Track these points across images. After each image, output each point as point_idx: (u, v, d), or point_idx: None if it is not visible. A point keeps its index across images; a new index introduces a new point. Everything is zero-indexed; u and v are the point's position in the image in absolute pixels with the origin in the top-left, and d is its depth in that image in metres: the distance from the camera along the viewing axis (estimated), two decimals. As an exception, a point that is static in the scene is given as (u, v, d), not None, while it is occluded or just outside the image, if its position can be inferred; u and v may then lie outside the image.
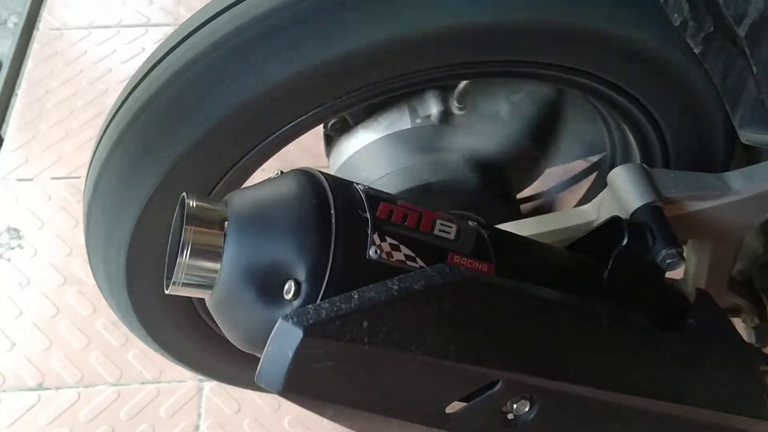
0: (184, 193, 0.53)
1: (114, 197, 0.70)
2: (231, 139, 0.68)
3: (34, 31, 1.75)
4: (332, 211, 0.52)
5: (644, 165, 0.73)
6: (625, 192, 0.71)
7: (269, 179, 0.56)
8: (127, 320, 0.82)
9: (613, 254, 0.67)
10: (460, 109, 0.86)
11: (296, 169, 0.56)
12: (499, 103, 0.88)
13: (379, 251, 0.53)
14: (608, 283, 0.67)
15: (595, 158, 0.95)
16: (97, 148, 0.72)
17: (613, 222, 0.68)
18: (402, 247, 0.55)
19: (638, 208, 0.70)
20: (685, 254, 0.82)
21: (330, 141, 0.90)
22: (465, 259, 0.58)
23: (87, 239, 0.75)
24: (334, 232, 0.51)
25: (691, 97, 0.75)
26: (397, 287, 0.51)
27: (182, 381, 1.21)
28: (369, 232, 0.53)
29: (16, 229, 1.37)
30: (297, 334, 0.46)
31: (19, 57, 1.74)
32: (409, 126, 0.85)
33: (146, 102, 0.67)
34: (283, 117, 0.67)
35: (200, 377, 1.20)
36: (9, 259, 1.34)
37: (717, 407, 0.65)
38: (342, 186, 0.55)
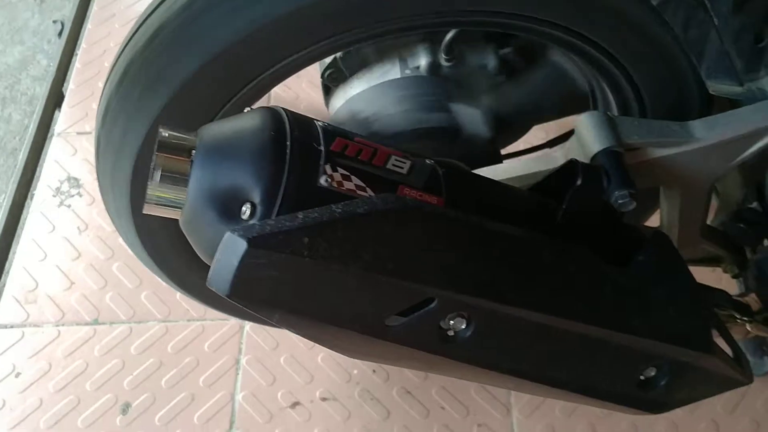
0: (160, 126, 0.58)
1: (119, 128, 0.75)
2: (230, 69, 0.71)
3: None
4: (288, 143, 0.56)
5: (609, 113, 0.75)
6: (587, 137, 0.73)
7: (237, 115, 0.60)
8: (132, 245, 0.87)
9: (568, 194, 0.69)
10: (447, 60, 0.88)
11: (262, 107, 0.60)
12: (487, 57, 0.90)
13: (329, 180, 0.57)
14: (563, 221, 0.70)
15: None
16: (106, 82, 0.77)
17: (570, 164, 0.71)
18: (353, 177, 0.58)
19: (597, 153, 0.72)
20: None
21: (328, 91, 0.94)
22: (415, 191, 0.61)
23: (97, 169, 0.81)
24: (288, 161, 0.56)
25: (659, 49, 0.76)
26: (340, 210, 0.55)
27: (225, 319, 1.27)
28: (321, 162, 0.57)
29: (76, 179, 1.45)
30: (242, 244, 0.51)
31: (79, 19, 1.82)
32: (398, 76, 0.88)
33: (151, 36, 0.71)
34: (275, 54, 0.71)
35: None
36: (69, 206, 1.42)
37: (655, 338, 0.67)
38: (301, 122, 0.59)
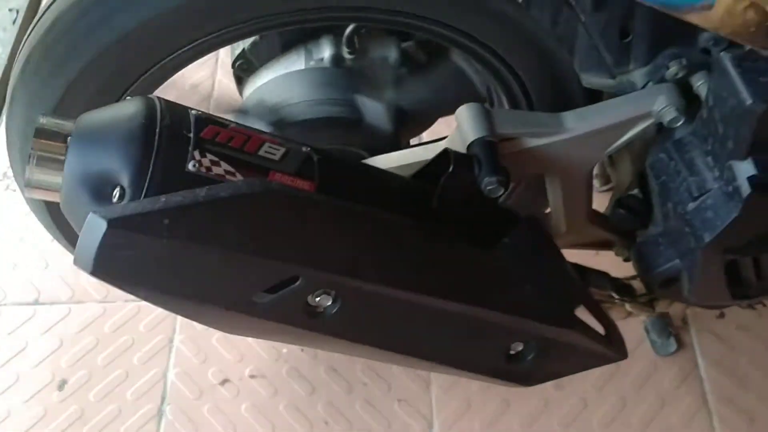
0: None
1: (22, 116, 0.78)
2: (124, 59, 0.75)
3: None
4: (157, 129, 0.60)
5: (486, 105, 0.79)
6: (464, 128, 0.77)
7: (115, 103, 0.64)
8: (41, 218, 0.90)
9: (441, 181, 0.73)
10: (349, 53, 0.92)
11: (138, 96, 0.64)
12: (389, 50, 0.94)
13: (197, 165, 0.61)
14: (437, 205, 0.73)
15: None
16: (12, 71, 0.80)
17: (444, 153, 0.75)
18: (222, 163, 0.62)
19: (472, 142, 0.76)
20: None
21: (240, 81, 0.98)
22: (285, 176, 0.65)
23: (8, 155, 0.84)
24: (156, 146, 0.59)
25: (537, 46, 0.80)
26: (203, 193, 0.58)
27: None
28: (190, 149, 0.61)
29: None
30: (102, 225, 0.54)
31: (33, 7, 1.84)
32: (303, 67, 0.92)
33: (50, 25, 0.74)
34: (171, 45, 0.74)
35: None
36: (15, 190, 1.45)
37: (516, 314, 0.71)
38: (174, 110, 0.62)
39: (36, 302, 1.32)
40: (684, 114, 0.76)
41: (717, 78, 0.70)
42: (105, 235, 0.54)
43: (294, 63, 0.92)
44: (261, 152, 0.65)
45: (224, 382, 1.23)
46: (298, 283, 0.62)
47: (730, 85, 0.67)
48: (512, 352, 0.76)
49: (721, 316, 1.29)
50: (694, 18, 0.63)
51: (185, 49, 0.75)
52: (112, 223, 0.54)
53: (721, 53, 0.68)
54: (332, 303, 0.64)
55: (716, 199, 0.74)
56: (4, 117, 0.84)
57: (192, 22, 0.73)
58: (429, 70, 0.95)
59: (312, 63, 0.92)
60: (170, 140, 0.60)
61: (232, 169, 0.62)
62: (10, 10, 1.88)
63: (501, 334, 0.73)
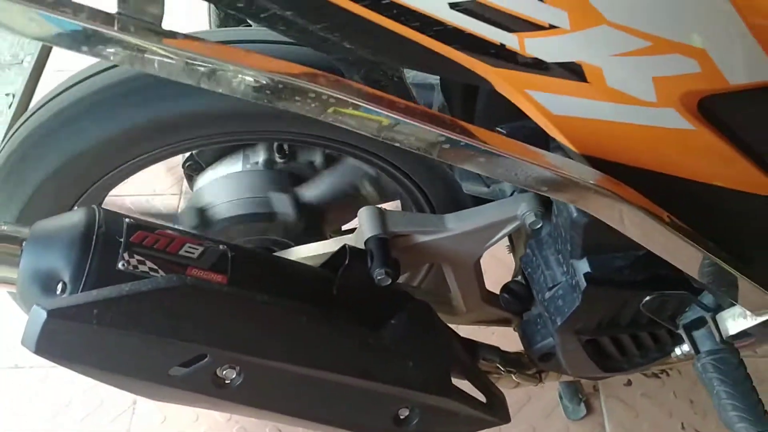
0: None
1: None
2: (81, 171, 0.90)
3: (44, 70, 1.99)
4: (94, 236, 0.74)
5: (381, 207, 0.93)
6: (363, 226, 0.91)
7: (64, 213, 0.78)
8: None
9: (339, 272, 0.87)
10: (280, 158, 1.07)
11: (84, 207, 0.78)
12: (315, 155, 1.09)
13: (126, 264, 0.75)
14: (337, 293, 0.87)
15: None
16: None
17: (342, 248, 0.89)
18: (147, 262, 0.76)
19: (368, 239, 0.90)
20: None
21: (190, 179, 1.13)
22: (201, 271, 0.79)
23: None
24: (92, 250, 0.73)
25: (428, 163, 0.95)
26: (128, 288, 0.72)
27: (122, 394, 1.40)
28: (121, 251, 0.75)
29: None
30: (42, 315, 0.67)
31: (28, 92, 2.00)
32: (240, 169, 1.07)
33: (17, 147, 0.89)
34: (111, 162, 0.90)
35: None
36: None
37: (396, 384, 0.84)
38: (111, 219, 0.77)
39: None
40: (542, 218, 0.90)
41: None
42: (45, 322, 0.67)
43: (233, 165, 1.07)
44: (181, 251, 0.79)
45: (181, 440, 1.35)
46: (206, 359, 0.75)
47: (563, 203, 0.82)
48: (401, 417, 0.89)
49: (628, 383, 1.41)
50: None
51: (128, 164, 0.90)
52: (51, 313, 0.68)
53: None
54: (237, 376, 0.77)
55: (564, 290, 0.88)
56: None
57: (130, 144, 0.88)
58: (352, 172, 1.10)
59: (248, 166, 1.07)
60: (104, 245, 0.74)
61: (155, 267, 0.76)
62: (6, 94, 2.06)
63: (386, 401, 0.85)
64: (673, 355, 0.86)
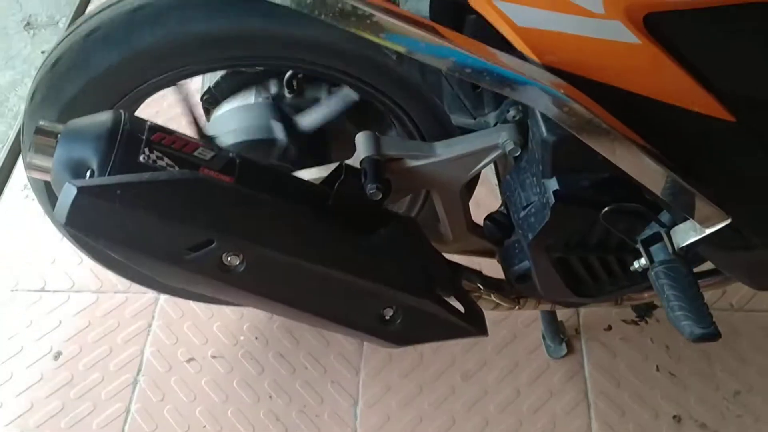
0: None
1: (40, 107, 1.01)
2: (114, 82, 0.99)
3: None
4: (120, 132, 0.84)
5: (375, 133, 1.02)
6: (359, 148, 1.00)
7: (94, 114, 0.88)
8: (54, 222, 1.14)
9: (336, 186, 0.96)
10: (289, 93, 1.17)
11: (111, 110, 0.88)
12: (320, 92, 1.18)
13: (146, 158, 0.85)
14: (332, 204, 0.96)
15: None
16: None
17: (339, 166, 0.98)
18: (165, 158, 0.86)
19: (363, 159, 0.99)
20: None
21: (207, 112, 1.23)
22: (212, 171, 0.89)
23: (22, 147, 1.08)
24: (117, 143, 0.83)
25: (416, 89, 1.04)
26: (147, 176, 0.82)
27: (144, 293, 1.53)
28: (142, 146, 0.85)
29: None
30: (73, 191, 0.78)
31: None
32: (252, 102, 1.16)
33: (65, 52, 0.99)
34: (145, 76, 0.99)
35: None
36: (33, 199, 1.69)
37: (382, 282, 0.93)
38: (135, 120, 0.87)
39: (42, 290, 1.55)
40: (520, 146, 0.99)
41: (531, 118, 0.93)
42: (75, 197, 0.78)
43: (246, 98, 1.17)
44: (195, 153, 0.88)
45: (190, 360, 1.45)
46: (213, 245, 0.85)
47: (536, 123, 0.90)
48: (386, 317, 0.98)
49: (609, 329, 1.49)
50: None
51: (158, 79, 1.00)
52: (81, 190, 0.78)
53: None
54: (240, 263, 0.87)
55: (536, 208, 0.97)
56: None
57: (162, 58, 0.98)
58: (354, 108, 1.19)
59: (260, 99, 1.17)
60: (128, 140, 0.84)
61: (172, 163, 0.86)
62: (42, 51, 2.17)
63: (372, 298, 0.95)
64: (631, 268, 0.94)
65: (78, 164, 0.83)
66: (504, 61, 0.73)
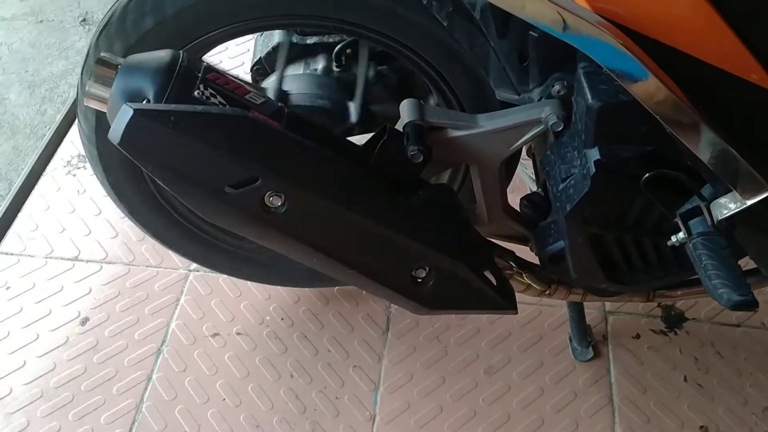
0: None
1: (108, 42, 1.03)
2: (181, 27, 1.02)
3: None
4: (177, 68, 0.87)
5: (420, 100, 1.04)
6: (403, 114, 1.02)
7: (154, 51, 0.91)
8: (96, 169, 1.17)
9: (378, 145, 0.98)
10: (337, 67, 1.19)
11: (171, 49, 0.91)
12: (368, 68, 1.21)
13: (200, 94, 0.87)
14: (375, 162, 0.98)
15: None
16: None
17: (383, 128, 1.00)
18: (218, 96, 0.88)
19: (406, 123, 1.01)
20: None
21: (256, 82, 1.26)
22: (261, 115, 0.91)
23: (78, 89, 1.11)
24: (174, 76, 0.86)
25: (462, 61, 1.06)
26: (201, 108, 0.84)
27: (175, 269, 1.55)
28: (197, 83, 0.87)
29: (84, 156, 1.76)
30: (130, 112, 0.80)
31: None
32: (301, 72, 1.19)
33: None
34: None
35: (191, 266, 1.54)
36: (74, 175, 1.74)
37: (419, 240, 0.94)
38: (192, 59, 0.89)
39: (76, 258, 1.58)
40: (563, 121, 1.00)
41: (577, 87, 0.94)
42: (131, 118, 0.80)
43: (296, 70, 1.20)
44: (247, 96, 0.91)
45: (215, 335, 1.46)
46: (257, 182, 0.86)
47: (581, 90, 0.91)
48: (418, 278, 0.98)
49: (637, 337, 1.48)
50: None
51: (221, 30, 1.03)
52: (137, 112, 0.80)
53: (579, 69, 0.92)
54: (281, 204, 0.88)
55: (576, 179, 0.97)
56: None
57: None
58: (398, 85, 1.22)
59: (308, 71, 1.20)
60: (184, 75, 0.87)
61: (224, 101, 0.89)
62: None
63: (407, 256, 0.95)
64: (669, 243, 0.94)
65: (135, 94, 0.86)
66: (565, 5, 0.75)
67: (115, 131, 0.81)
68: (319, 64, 1.21)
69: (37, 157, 1.79)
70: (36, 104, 2.04)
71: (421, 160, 0.97)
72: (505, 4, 0.80)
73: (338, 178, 0.91)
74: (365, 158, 0.98)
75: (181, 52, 0.90)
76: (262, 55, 1.23)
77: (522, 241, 1.20)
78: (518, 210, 1.17)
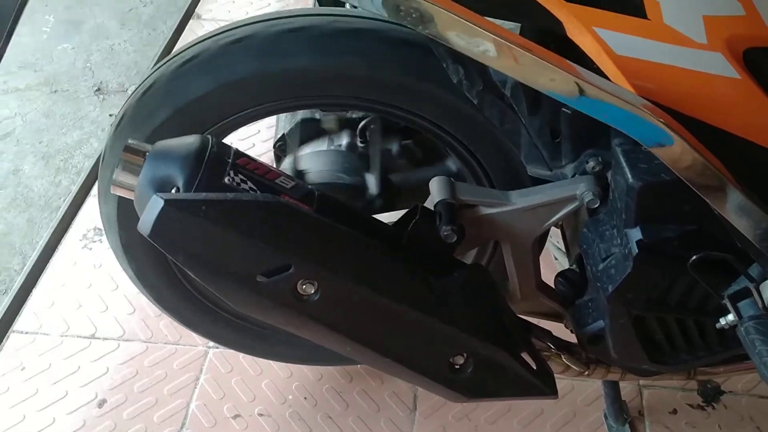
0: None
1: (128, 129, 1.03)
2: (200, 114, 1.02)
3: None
4: (207, 154, 0.85)
5: (450, 178, 1.02)
6: (433, 192, 1.00)
7: (182, 137, 0.90)
8: (119, 258, 1.15)
9: (410, 226, 0.96)
10: (361, 142, 1.18)
11: (199, 134, 0.90)
12: (392, 144, 1.20)
13: (231, 180, 0.85)
14: (407, 243, 0.95)
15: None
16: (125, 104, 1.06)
17: (414, 208, 0.98)
18: (248, 182, 0.87)
19: (438, 202, 0.99)
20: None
21: (279, 159, 1.25)
22: (292, 199, 0.89)
23: (99, 178, 1.09)
24: (204, 163, 0.84)
25: (493, 139, 1.04)
26: (231, 196, 0.82)
27: (194, 346, 1.52)
28: (228, 169, 0.86)
29: (100, 229, 1.75)
30: (160, 203, 0.78)
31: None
32: (325, 149, 1.18)
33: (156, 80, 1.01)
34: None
35: (210, 343, 1.50)
36: (91, 249, 1.72)
37: (456, 326, 0.91)
38: (221, 146, 0.88)
39: (93, 336, 1.55)
40: (599, 198, 0.97)
41: (615, 166, 0.92)
42: (162, 209, 0.78)
43: (319, 146, 1.19)
44: (277, 181, 0.89)
45: (236, 416, 1.41)
46: (290, 270, 0.84)
47: (620, 169, 0.89)
48: (456, 366, 0.95)
49: (674, 412, 1.43)
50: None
51: (240, 114, 1.02)
52: (168, 202, 0.78)
53: (616, 147, 0.91)
54: (314, 292, 0.86)
55: (617, 259, 0.94)
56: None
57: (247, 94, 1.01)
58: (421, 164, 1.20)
59: (332, 147, 1.18)
60: (214, 161, 0.85)
61: (254, 187, 0.87)
62: (111, 115, 2.26)
63: (444, 343, 0.92)
64: (717, 325, 0.91)
65: (164, 182, 0.84)
66: (606, 87, 0.73)
67: (145, 223, 0.79)
68: (343, 140, 1.20)
69: (52, 230, 1.77)
70: (50, 175, 2.04)
71: (454, 240, 0.95)
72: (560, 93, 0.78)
73: (372, 263, 0.89)
74: (397, 239, 0.96)
75: (209, 137, 0.89)
76: (286, 131, 1.22)
77: (553, 317, 1.17)
78: (552, 286, 1.14)
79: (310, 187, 0.93)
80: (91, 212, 1.80)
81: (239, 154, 0.89)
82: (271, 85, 0.99)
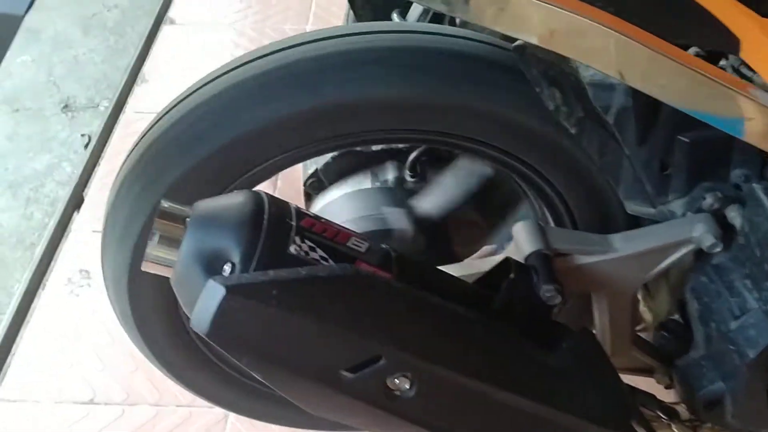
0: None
1: (127, 207, 0.85)
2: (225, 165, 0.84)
3: (121, 114, 1.98)
4: (265, 217, 0.67)
5: (540, 222, 0.85)
6: (521, 241, 0.84)
7: (228, 194, 0.71)
8: (128, 329, 0.95)
9: (503, 285, 0.79)
10: (411, 176, 1.01)
11: (247, 189, 0.71)
12: (445, 176, 1.02)
13: (298, 249, 0.67)
14: (498, 307, 0.78)
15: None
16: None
17: (505, 262, 0.81)
18: (318, 249, 0.69)
19: (529, 254, 0.82)
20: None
21: (309, 198, 1.06)
22: (370, 266, 0.71)
23: (102, 243, 0.90)
24: (264, 230, 0.66)
25: (583, 172, 0.88)
26: (305, 272, 0.64)
27: (211, 407, 1.31)
28: (293, 234, 0.67)
29: (87, 271, 1.53)
30: (221, 290, 0.60)
31: (105, 134, 1.97)
32: (369, 186, 1.00)
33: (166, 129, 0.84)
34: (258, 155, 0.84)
35: None
36: (78, 295, 1.50)
37: (575, 414, 0.74)
38: (279, 204, 0.70)
39: (91, 402, 1.34)
40: (721, 241, 0.82)
41: (751, 207, 0.77)
42: (223, 299, 0.60)
43: (361, 183, 1.01)
44: (349, 244, 0.71)
45: (266, 490, 1.23)
46: (381, 362, 0.66)
47: (763, 212, 0.74)
48: (567, 454, 0.78)
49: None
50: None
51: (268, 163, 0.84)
52: (230, 289, 0.60)
53: (754, 185, 0.76)
54: (409, 387, 0.68)
55: (757, 318, 0.79)
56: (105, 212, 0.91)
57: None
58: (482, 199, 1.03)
59: (377, 183, 1.01)
60: (276, 226, 0.67)
61: (326, 255, 0.69)
62: (82, 135, 2.03)
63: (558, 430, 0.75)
64: None
65: (213, 255, 0.66)
66: None
67: (202, 319, 0.60)
68: (389, 175, 1.02)
69: (31, 273, 1.56)
70: (20, 207, 1.81)
71: (558, 301, 0.79)
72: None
73: (476, 344, 0.72)
74: (484, 300, 0.79)
75: (262, 192, 0.70)
76: (319, 167, 1.03)
77: (647, 373, 1.01)
78: (647, 340, 0.98)
79: (384, 246, 0.75)
80: (74, 250, 1.59)
81: (301, 213, 0.70)
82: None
